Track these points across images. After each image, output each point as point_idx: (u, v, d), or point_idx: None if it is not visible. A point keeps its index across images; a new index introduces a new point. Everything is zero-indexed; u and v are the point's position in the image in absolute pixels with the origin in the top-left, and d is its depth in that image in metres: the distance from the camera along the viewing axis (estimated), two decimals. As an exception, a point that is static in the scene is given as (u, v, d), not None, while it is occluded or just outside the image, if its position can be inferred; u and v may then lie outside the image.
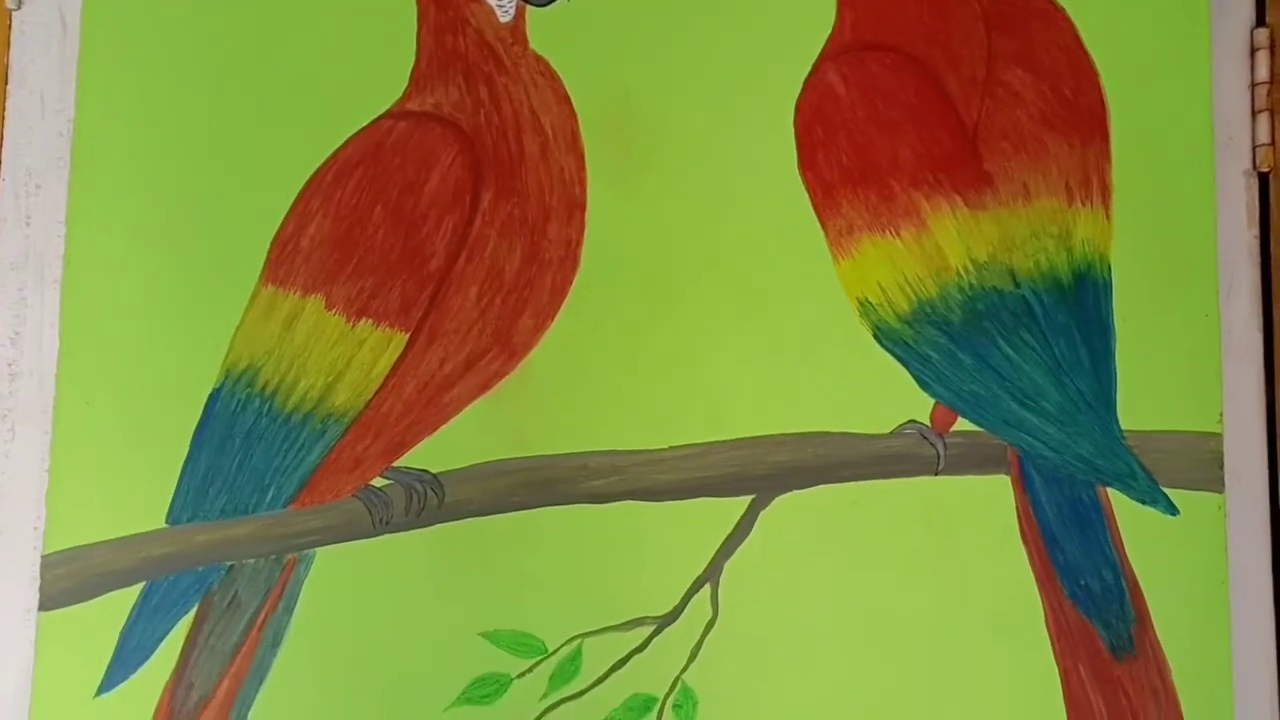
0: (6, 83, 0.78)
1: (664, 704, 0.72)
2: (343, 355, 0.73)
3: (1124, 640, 0.73)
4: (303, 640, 0.72)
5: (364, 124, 0.77)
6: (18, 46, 0.79)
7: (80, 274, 0.76)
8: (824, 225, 0.76)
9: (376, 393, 0.73)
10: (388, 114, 0.77)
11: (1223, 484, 0.74)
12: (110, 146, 0.77)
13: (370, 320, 0.73)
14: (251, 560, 0.72)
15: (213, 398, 0.73)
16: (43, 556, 0.72)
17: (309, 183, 0.75)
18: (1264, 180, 0.79)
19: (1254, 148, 0.79)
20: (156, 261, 0.75)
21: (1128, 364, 0.75)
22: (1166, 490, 0.74)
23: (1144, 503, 0.74)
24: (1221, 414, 0.75)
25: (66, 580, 0.71)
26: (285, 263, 0.74)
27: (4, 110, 0.78)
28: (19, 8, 0.79)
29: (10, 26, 0.79)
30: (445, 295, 0.73)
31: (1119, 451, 0.74)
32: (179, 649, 0.72)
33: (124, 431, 0.73)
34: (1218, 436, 0.74)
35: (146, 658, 0.71)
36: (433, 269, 0.73)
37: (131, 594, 0.72)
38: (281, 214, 0.75)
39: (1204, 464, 0.74)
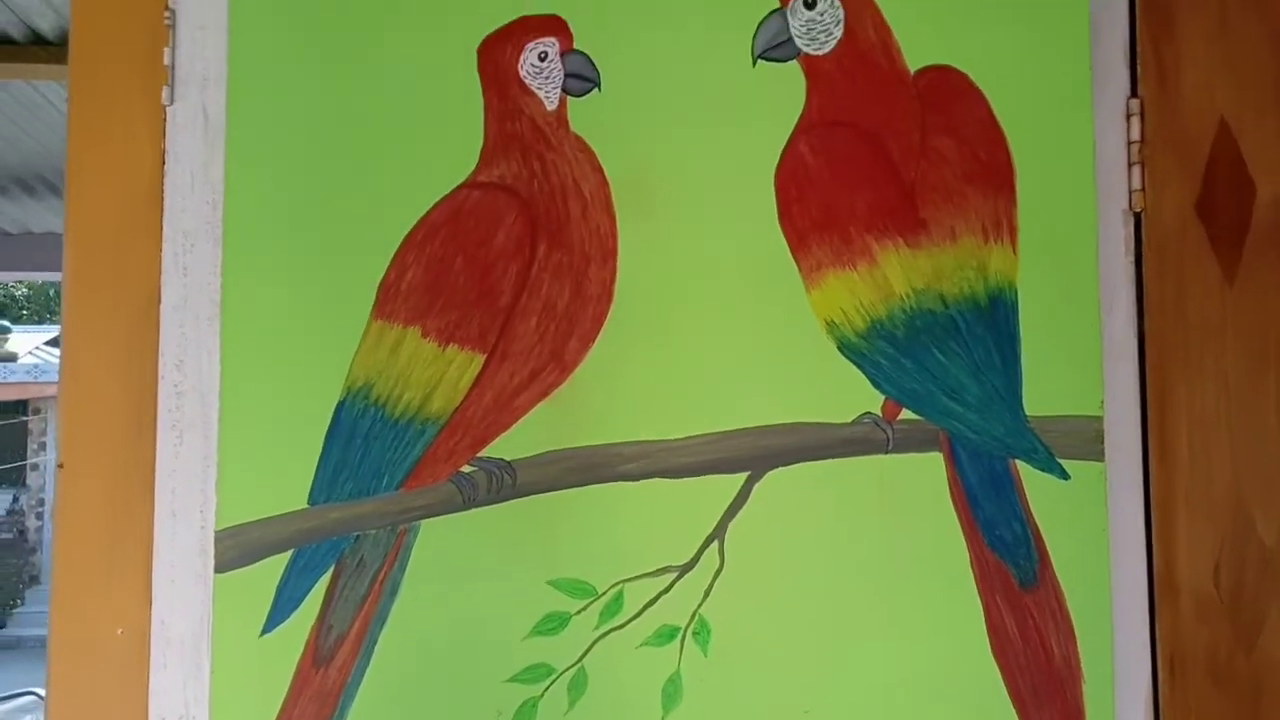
0: (164, 163, 0.85)
1: (685, 631, 0.82)
2: (436, 373, 0.82)
3: (1030, 576, 0.83)
4: (414, 591, 0.82)
5: (445, 193, 0.85)
6: (171, 133, 0.86)
7: (234, 313, 0.83)
8: (798, 263, 0.85)
9: (462, 401, 0.82)
10: (463, 184, 0.85)
11: (1104, 456, 0.84)
12: (250, 213, 0.85)
13: (456, 345, 0.82)
14: (373, 531, 0.81)
15: (339, 408, 0.82)
16: (215, 532, 0.81)
17: (405, 240, 0.84)
18: (1138, 219, 0.88)
19: (1130, 193, 0.88)
20: (291, 303, 0.84)
21: (1031, 364, 0.84)
22: (1061, 461, 0.84)
23: (1044, 471, 0.84)
24: (1103, 401, 0.85)
25: (234, 550, 0.81)
26: (389, 302, 0.83)
27: (163, 185, 0.85)
28: (171, 103, 0.87)
29: (165, 119, 0.86)
30: (512, 324, 0.82)
31: (1024, 432, 0.84)
32: (320, 599, 0.81)
33: (272, 434, 0.82)
34: (1100, 419, 0.84)
35: (297, 606, 0.81)
36: (502, 304, 0.83)
37: (284, 559, 0.81)
38: (384, 265, 0.84)
39: (1090, 440, 0.84)
